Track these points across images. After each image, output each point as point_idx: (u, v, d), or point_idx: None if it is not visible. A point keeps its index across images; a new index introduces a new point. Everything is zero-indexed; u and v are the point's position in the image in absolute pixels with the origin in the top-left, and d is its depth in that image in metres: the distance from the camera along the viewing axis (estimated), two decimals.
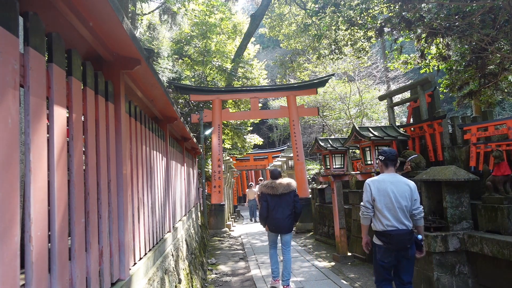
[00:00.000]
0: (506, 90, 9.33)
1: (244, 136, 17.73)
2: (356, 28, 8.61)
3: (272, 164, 20.10)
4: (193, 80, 15.73)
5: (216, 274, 6.74)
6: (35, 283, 1.26)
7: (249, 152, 20.51)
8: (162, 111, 4.13)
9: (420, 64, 9.34)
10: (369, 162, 6.11)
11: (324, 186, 10.13)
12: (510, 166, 4.90)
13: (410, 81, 16.76)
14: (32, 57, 1.31)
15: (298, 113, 13.33)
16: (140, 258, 2.75)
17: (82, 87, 1.83)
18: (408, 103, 9.11)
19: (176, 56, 16.05)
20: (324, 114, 20.05)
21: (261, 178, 20.79)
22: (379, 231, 3.58)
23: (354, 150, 12.76)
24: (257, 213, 7.04)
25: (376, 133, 6.01)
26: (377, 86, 19.68)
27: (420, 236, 3.57)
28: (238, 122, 16.84)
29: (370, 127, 6.31)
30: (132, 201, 2.61)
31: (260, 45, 26.31)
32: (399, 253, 3.49)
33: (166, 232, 4.11)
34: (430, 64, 9.14)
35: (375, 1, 8.34)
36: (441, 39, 7.79)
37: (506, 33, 6.54)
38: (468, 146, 6.46)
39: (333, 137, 14.10)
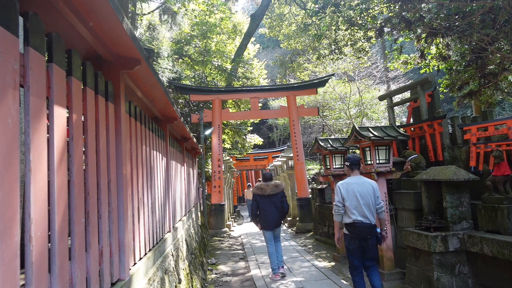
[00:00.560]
0: (506, 90, 9.33)
1: (244, 136, 17.72)
2: (356, 28, 8.61)
3: (272, 164, 20.10)
4: (193, 80, 15.73)
5: (216, 274, 6.74)
6: (35, 283, 1.26)
7: (249, 152, 20.51)
8: (162, 111, 4.13)
9: (420, 64, 9.34)
10: (369, 162, 6.11)
11: (324, 186, 10.13)
12: (510, 166, 4.90)
13: (410, 81, 16.76)
14: (32, 57, 1.31)
15: (298, 113, 13.33)
16: (140, 258, 2.75)
17: (82, 87, 1.83)
18: (408, 103, 9.11)
19: (176, 56, 16.04)
20: (324, 114, 20.05)
21: (259, 179, 20.80)
22: (348, 223, 4.22)
23: (354, 150, 12.75)
24: None
25: (376, 133, 6.00)
26: (377, 86, 19.68)
27: (379, 230, 4.24)
28: (238, 122, 16.84)
29: (370, 127, 6.30)
30: (132, 201, 2.61)
31: (260, 45, 26.32)
32: (361, 242, 4.17)
33: (166, 232, 4.11)
34: (430, 64, 9.14)
35: (375, 1, 8.34)
36: (441, 39, 7.79)
37: (506, 33, 6.54)
38: (468, 146, 6.46)
39: (333, 137, 14.10)
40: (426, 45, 8.19)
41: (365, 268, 4.30)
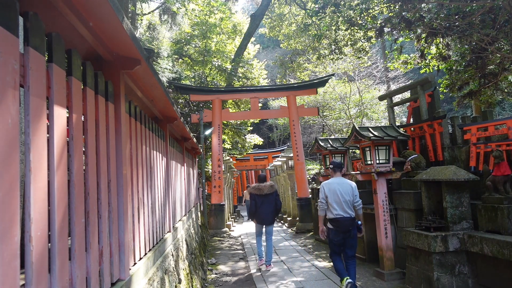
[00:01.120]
0: (506, 90, 9.33)
1: (244, 136, 17.72)
2: (356, 28, 8.60)
3: (272, 164, 20.10)
4: (193, 80, 15.73)
5: (216, 274, 6.74)
6: (35, 283, 1.26)
7: (249, 152, 20.51)
8: (162, 111, 4.13)
9: (420, 64, 9.34)
10: (369, 162, 6.11)
11: None
12: (510, 166, 4.90)
13: (410, 81, 16.76)
14: (32, 57, 1.31)
15: (298, 113, 13.33)
16: (140, 258, 2.75)
17: (82, 87, 1.83)
18: (408, 103, 9.11)
19: (176, 56, 16.04)
20: (324, 114, 20.05)
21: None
22: (331, 218, 4.83)
23: (354, 150, 12.76)
24: None
25: (376, 133, 6.00)
26: (377, 86, 19.67)
27: (359, 222, 4.92)
28: (238, 122, 16.83)
29: (370, 127, 6.30)
30: (132, 201, 2.61)
31: (260, 45, 26.31)
32: (344, 234, 4.79)
33: (166, 232, 4.11)
34: (430, 64, 9.13)
35: (375, 1, 8.33)
36: (441, 39, 7.78)
37: (506, 33, 6.53)
38: (468, 146, 6.46)
39: (333, 137, 14.11)
40: (426, 45, 8.18)
41: (345, 258, 4.93)
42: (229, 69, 15.73)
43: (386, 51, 16.80)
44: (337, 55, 10.89)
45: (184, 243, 5.21)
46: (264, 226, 6.90)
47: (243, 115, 14.97)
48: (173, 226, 4.60)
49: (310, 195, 11.98)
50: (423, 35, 7.82)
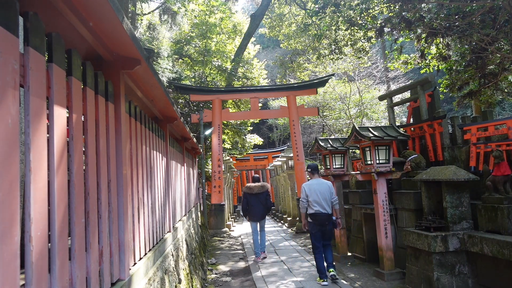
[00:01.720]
0: (506, 90, 9.33)
1: (244, 136, 17.71)
2: (356, 28, 8.60)
3: (272, 164, 20.09)
4: (193, 80, 15.72)
5: (216, 274, 6.74)
6: (35, 283, 1.26)
7: (249, 152, 20.50)
8: (162, 111, 4.13)
9: (420, 64, 9.34)
10: (369, 162, 6.10)
11: None
12: (510, 166, 4.90)
13: (410, 81, 16.76)
14: (32, 57, 1.31)
15: (298, 113, 13.33)
16: (140, 258, 2.75)
17: (82, 87, 1.83)
18: (408, 103, 9.11)
19: (176, 56, 16.04)
20: (324, 114, 20.04)
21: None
22: (311, 213, 5.62)
23: (354, 150, 12.76)
24: None
25: (376, 133, 6.00)
26: (377, 86, 19.67)
27: (334, 218, 5.68)
28: (238, 122, 16.83)
29: (370, 127, 6.30)
30: (132, 201, 2.61)
31: (260, 45, 26.30)
32: (321, 227, 5.58)
33: (166, 232, 4.11)
34: (430, 64, 9.13)
35: (375, 1, 8.33)
36: (441, 39, 7.78)
37: (506, 33, 6.53)
38: (468, 146, 6.45)
39: (333, 137, 14.10)
40: (426, 45, 8.18)
41: (323, 247, 5.67)
42: (229, 69, 15.73)
43: (386, 51, 16.78)
44: (337, 55, 10.88)
45: (184, 243, 5.21)
46: (257, 222, 7.73)
47: (243, 115, 14.96)
48: (173, 226, 4.60)
49: None
50: (423, 35, 7.82)
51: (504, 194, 4.71)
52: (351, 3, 8.88)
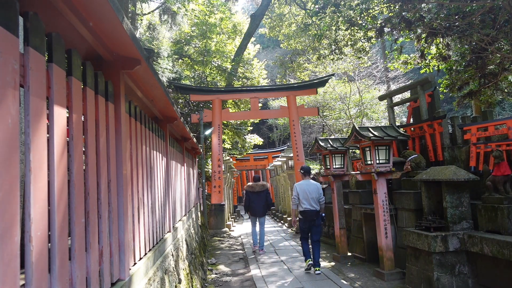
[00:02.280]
0: (506, 90, 9.32)
1: (244, 136, 17.71)
2: (356, 28, 8.60)
3: (272, 164, 20.08)
4: (193, 80, 15.72)
5: (216, 274, 6.74)
6: (35, 283, 1.26)
7: (249, 152, 20.50)
8: (162, 111, 4.13)
9: (420, 64, 9.33)
10: (369, 162, 6.10)
11: (324, 186, 10.12)
12: (510, 166, 4.90)
13: (410, 81, 16.76)
14: (32, 57, 1.31)
15: (298, 113, 13.32)
16: (140, 258, 2.75)
17: (82, 87, 1.82)
18: (408, 103, 9.11)
19: (176, 56, 16.03)
20: (324, 114, 20.04)
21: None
22: (301, 210, 6.31)
23: (354, 150, 12.76)
24: None
25: (376, 133, 6.00)
26: (377, 86, 19.66)
27: (323, 214, 6.39)
28: (238, 122, 16.82)
29: (370, 127, 6.30)
30: (132, 201, 2.61)
31: (260, 45, 26.28)
32: (310, 223, 6.26)
33: (166, 232, 4.11)
34: (430, 64, 9.13)
35: (375, 1, 8.33)
36: (441, 39, 7.77)
37: (506, 33, 6.53)
38: (468, 146, 6.45)
39: (333, 137, 14.10)
40: (426, 45, 8.18)
41: (312, 242, 6.33)
42: (229, 69, 15.72)
43: (386, 51, 16.78)
44: (337, 55, 10.88)
45: (184, 243, 5.21)
46: (257, 218, 8.47)
47: (243, 115, 14.96)
48: (173, 226, 4.60)
49: None
50: (423, 35, 7.82)
51: (504, 194, 4.71)
52: (351, 3, 8.88)
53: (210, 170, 13.24)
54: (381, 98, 10.51)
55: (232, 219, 16.10)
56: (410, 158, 6.83)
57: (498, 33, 6.47)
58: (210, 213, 12.12)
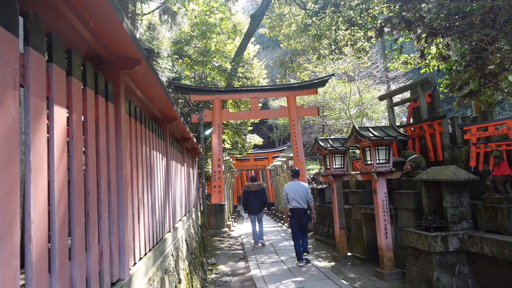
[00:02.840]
0: (506, 90, 9.32)
1: (244, 136, 17.71)
2: (356, 28, 8.60)
3: (272, 164, 20.08)
4: (193, 80, 15.72)
5: (216, 274, 6.74)
6: (35, 283, 1.26)
7: (249, 152, 20.49)
8: (162, 111, 4.13)
9: (420, 64, 9.33)
10: (369, 162, 6.10)
11: (324, 186, 10.13)
12: (510, 166, 4.90)
13: (410, 81, 16.75)
14: (32, 57, 1.31)
15: (298, 113, 13.33)
16: (140, 258, 2.75)
17: (82, 87, 1.82)
18: (408, 103, 9.11)
19: (176, 56, 16.03)
20: (324, 114, 20.04)
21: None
22: (290, 208, 7.06)
23: (354, 150, 12.76)
24: None
25: (376, 133, 6.00)
26: (377, 86, 19.66)
27: (309, 212, 7.10)
28: (238, 122, 16.82)
29: (370, 127, 6.30)
30: (132, 201, 2.61)
31: (260, 45, 26.30)
32: (298, 219, 7.02)
33: (166, 232, 4.11)
34: (430, 64, 9.13)
35: (375, 1, 8.33)
36: (441, 39, 7.78)
37: (506, 33, 6.53)
38: (468, 146, 6.45)
39: (333, 137, 14.09)
40: (426, 45, 8.18)
41: (301, 235, 7.08)
42: (229, 69, 15.72)
43: (386, 51, 16.78)
44: (337, 55, 10.88)
45: (184, 243, 5.21)
46: (255, 215, 9.33)
47: (243, 115, 14.96)
48: (173, 226, 4.60)
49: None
50: (423, 35, 7.81)
51: (504, 194, 4.71)
52: (351, 3, 8.88)
53: (210, 170, 13.24)
54: (381, 98, 10.51)
55: (232, 219, 16.10)
56: (410, 158, 6.83)
57: (498, 33, 6.47)
58: (210, 213, 12.12)
